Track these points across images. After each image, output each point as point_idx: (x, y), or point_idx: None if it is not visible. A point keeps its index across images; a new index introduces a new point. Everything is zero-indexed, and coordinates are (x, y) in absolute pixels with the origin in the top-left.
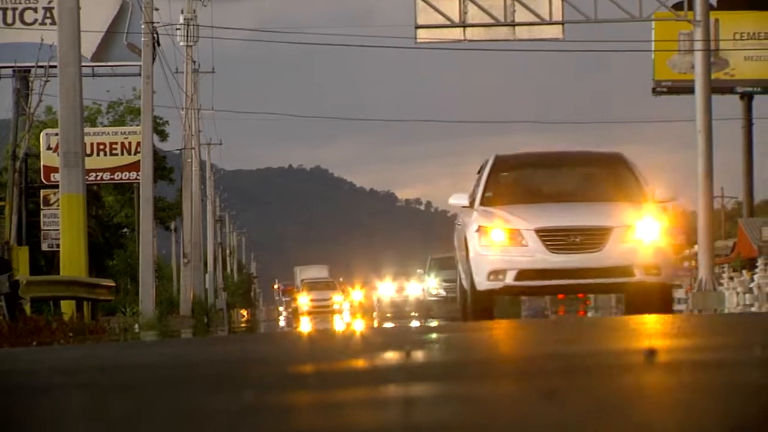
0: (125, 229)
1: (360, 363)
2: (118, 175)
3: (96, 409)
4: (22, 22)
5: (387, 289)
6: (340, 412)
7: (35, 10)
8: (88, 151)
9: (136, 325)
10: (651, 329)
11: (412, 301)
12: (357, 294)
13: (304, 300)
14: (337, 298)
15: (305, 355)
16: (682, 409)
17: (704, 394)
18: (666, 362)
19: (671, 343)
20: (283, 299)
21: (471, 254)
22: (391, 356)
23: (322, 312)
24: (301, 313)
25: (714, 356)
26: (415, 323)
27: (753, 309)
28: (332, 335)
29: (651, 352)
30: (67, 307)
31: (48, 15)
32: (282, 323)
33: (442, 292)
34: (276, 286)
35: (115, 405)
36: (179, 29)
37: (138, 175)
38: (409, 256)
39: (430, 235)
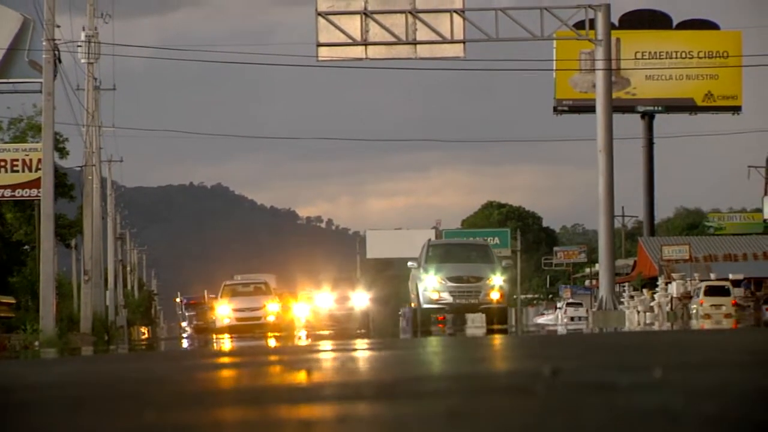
0: (26, 246)
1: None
2: (18, 192)
3: None
4: None
5: (325, 299)
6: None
7: None
8: None
9: (36, 343)
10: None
11: (358, 314)
12: (274, 306)
13: (224, 311)
14: (272, 307)
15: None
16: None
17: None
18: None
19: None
20: (186, 314)
21: None
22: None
23: (249, 326)
24: (218, 329)
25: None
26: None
27: (654, 327)
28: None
29: (555, 372)
30: None
31: None
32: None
33: (447, 297)
34: (178, 300)
35: (12, 426)
36: (81, 46)
37: (39, 192)
38: (315, 272)
39: (333, 251)
